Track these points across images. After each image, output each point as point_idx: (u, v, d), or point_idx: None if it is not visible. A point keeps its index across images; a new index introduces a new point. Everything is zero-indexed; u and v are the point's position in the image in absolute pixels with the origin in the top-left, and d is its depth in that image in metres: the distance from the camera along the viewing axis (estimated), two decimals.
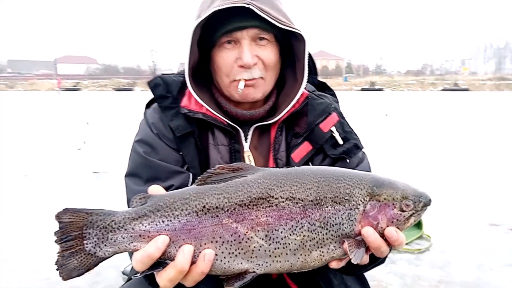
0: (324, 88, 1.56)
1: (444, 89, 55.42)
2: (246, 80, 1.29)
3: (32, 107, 25.41)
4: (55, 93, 48.43)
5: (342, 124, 1.42)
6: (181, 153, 1.34)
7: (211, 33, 1.30)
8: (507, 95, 33.85)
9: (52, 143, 10.32)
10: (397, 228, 1.03)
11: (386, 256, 1.16)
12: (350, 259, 1.00)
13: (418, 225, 4.10)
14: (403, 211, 1.03)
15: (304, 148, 1.36)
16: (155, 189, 1.06)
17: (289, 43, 1.39)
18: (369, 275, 1.51)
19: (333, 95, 1.54)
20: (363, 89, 58.41)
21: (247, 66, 1.27)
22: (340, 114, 1.44)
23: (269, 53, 1.32)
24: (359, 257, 0.99)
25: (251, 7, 1.21)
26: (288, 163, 1.36)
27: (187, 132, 1.33)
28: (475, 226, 4.44)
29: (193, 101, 1.35)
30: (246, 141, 1.38)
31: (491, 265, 3.49)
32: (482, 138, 11.00)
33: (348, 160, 1.38)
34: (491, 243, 3.95)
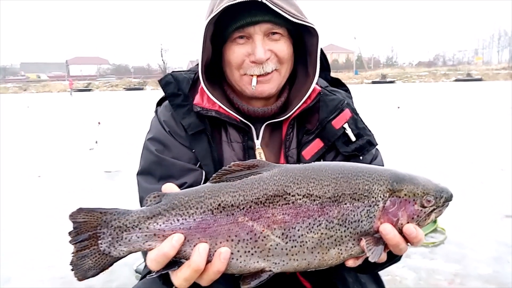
0: (337, 84, 1.52)
1: (457, 80, 54.69)
2: (258, 76, 1.28)
3: (45, 108, 25.73)
4: (67, 94, 49.02)
5: (355, 121, 1.38)
6: (193, 150, 1.33)
7: (223, 28, 1.29)
8: None
9: (64, 144, 10.45)
10: (418, 224, 1.00)
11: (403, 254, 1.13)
12: (367, 257, 0.98)
13: None
14: (424, 207, 1.00)
15: (315, 145, 1.34)
16: (169, 187, 1.04)
17: (301, 38, 1.37)
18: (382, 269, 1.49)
19: (347, 91, 1.51)
20: (374, 82, 57.91)
21: (259, 61, 1.26)
22: (353, 110, 1.40)
23: (282, 46, 1.30)
24: (377, 255, 0.97)
25: (264, 0, 1.19)
26: (299, 160, 1.34)
27: (200, 129, 1.32)
28: (491, 218, 4.37)
29: (206, 98, 1.33)
30: (257, 138, 1.37)
31: (508, 257, 3.43)
32: (496, 128, 10.82)
33: (361, 158, 1.35)
34: (507, 235, 3.88)
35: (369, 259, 0.97)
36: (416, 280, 3.15)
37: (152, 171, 1.31)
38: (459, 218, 4.34)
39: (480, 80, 52.90)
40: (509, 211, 4.50)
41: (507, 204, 4.73)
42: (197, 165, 1.33)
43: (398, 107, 16.73)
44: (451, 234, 3.92)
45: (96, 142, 8.51)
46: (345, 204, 0.98)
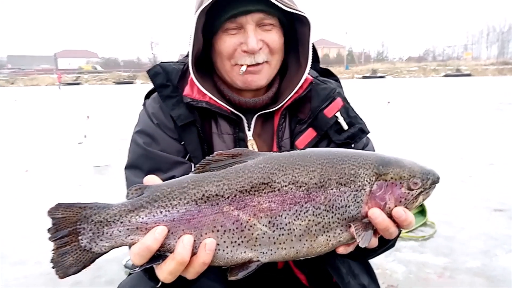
0: (327, 74, 1.52)
1: (447, 75, 55.08)
2: (248, 65, 1.26)
3: (33, 102, 25.39)
4: (55, 88, 48.45)
5: (347, 109, 1.38)
6: (182, 143, 1.31)
7: (214, 19, 1.26)
8: (510, 80, 33.59)
9: (53, 138, 10.33)
10: (406, 207, 1.00)
11: (396, 239, 1.12)
12: (358, 244, 0.97)
13: (422, 212, 4.08)
14: (411, 189, 0.99)
15: (309, 134, 1.33)
16: (151, 179, 1.01)
17: (292, 27, 1.35)
18: (373, 263, 1.49)
19: (337, 80, 1.51)
20: (364, 77, 58.12)
21: (251, 51, 1.24)
22: (344, 99, 1.40)
23: (274, 36, 1.28)
24: (366, 240, 0.96)
25: None
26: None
27: (189, 121, 1.30)
28: (480, 212, 4.42)
29: (196, 89, 1.31)
30: (249, 129, 1.35)
31: (496, 251, 3.47)
32: (485, 123, 10.94)
33: (353, 145, 1.35)
34: (496, 229, 3.92)
35: (360, 244, 0.96)
36: (406, 274, 3.17)
37: (140, 165, 1.29)
38: (448, 212, 4.38)
39: (469, 75, 53.37)
40: (497, 205, 4.55)
41: (495, 198, 4.78)
42: (186, 158, 1.30)
43: (388, 102, 16.82)
44: (440, 228, 3.95)
45: (85, 136, 8.41)
46: (332, 189, 0.96)
